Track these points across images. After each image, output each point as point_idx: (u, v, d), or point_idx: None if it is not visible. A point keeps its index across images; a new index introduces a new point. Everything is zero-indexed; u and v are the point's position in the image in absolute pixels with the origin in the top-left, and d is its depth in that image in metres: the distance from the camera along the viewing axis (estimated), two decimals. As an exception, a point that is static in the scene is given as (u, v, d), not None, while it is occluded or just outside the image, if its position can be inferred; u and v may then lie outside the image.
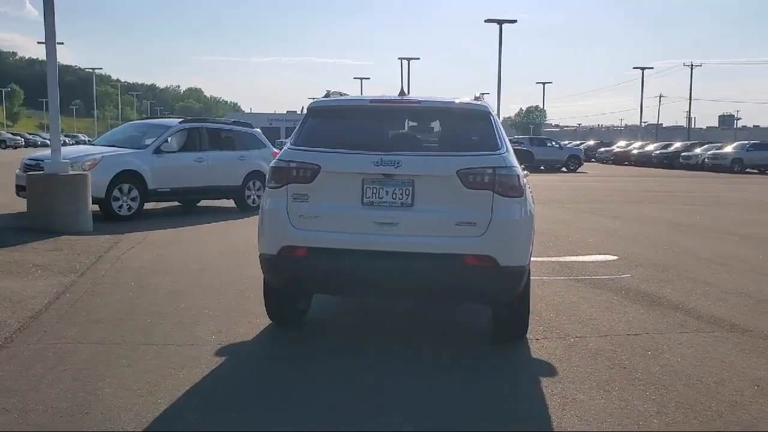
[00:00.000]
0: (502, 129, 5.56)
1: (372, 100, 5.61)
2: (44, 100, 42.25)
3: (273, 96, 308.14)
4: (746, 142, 46.45)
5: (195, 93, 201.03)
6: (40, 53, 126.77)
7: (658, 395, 4.64)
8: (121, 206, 12.68)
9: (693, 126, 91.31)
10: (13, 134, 79.61)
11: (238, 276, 8.07)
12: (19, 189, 12.79)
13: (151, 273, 8.15)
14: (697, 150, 46.51)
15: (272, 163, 5.46)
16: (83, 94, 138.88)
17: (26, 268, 8.12)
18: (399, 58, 62.66)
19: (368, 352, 5.51)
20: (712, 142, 51.09)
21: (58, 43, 11.69)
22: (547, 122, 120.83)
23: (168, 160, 13.46)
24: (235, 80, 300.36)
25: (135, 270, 8.29)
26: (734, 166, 41.73)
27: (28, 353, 5.19)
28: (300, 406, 4.36)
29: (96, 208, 12.16)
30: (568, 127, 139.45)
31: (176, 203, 15.25)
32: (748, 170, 42.09)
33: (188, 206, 15.36)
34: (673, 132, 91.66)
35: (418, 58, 63.44)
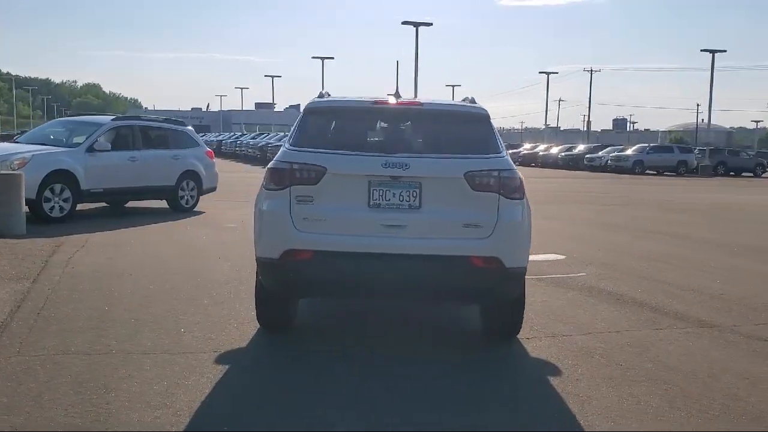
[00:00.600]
0: (497, 132, 5.65)
1: (374, 102, 5.56)
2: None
3: (176, 92, 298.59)
4: (646, 145, 49.01)
5: (93, 89, 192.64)
6: None
7: (663, 390, 4.83)
8: (52, 207, 12.00)
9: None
10: None
11: (203, 279, 7.82)
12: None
13: (109, 277, 7.78)
14: (601, 152, 48.63)
15: (271, 164, 5.31)
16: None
17: (-30, 275, 7.58)
18: (313, 57, 62.37)
19: (375, 354, 5.47)
20: (612, 145, 53.58)
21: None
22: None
23: (101, 159, 12.84)
24: (134, 76, 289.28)
25: (90, 275, 7.88)
26: (635, 167, 43.90)
27: (12, 367, 4.85)
28: (329, 411, 4.28)
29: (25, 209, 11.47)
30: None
31: (103, 204, 14.53)
32: (647, 171, 44.38)
33: (115, 207, 14.68)
34: (571, 135, 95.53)
35: (333, 58, 63.34)
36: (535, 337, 6.03)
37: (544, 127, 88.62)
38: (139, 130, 14.10)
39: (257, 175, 33.96)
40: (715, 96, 49.25)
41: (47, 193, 11.90)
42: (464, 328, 6.35)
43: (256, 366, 5.23)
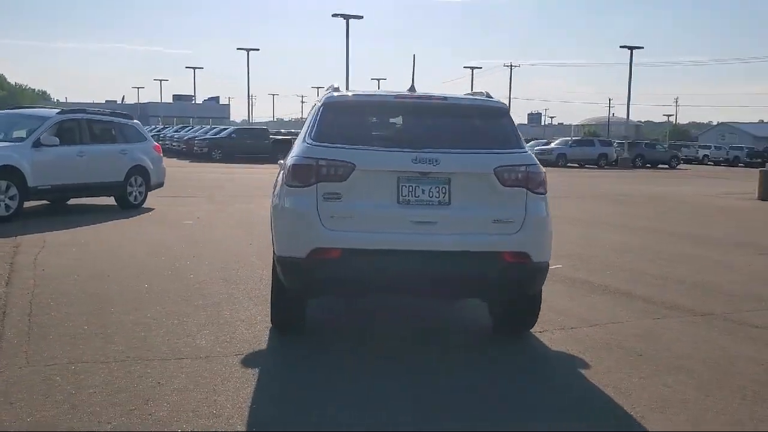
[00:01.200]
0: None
1: (396, 96, 5.45)
2: None
3: (87, 84, 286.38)
4: (569, 138, 50.47)
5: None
6: None
7: (692, 379, 4.96)
8: (-2, 206, 11.30)
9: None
10: None
11: (190, 280, 7.52)
12: None
13: (88, 279, 7.38)
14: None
15: (294, 161, 5.12)
16: None
17: (-65, 280, 7.04)
18: (238, 48, 60.99)
19: (386, 353, 5.38)
20: (535, 139, 54.91)
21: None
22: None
23: (48, 154, 12.17)
24: (41, 67, 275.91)
25: (65, 277, 7.46)
26: (559, 160, 44.97)
27: (29, 378, 4.52)
28: (390, 412, 4.18)
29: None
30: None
31: (44, 202, 13.76)
32: (569, 164, 45.65)
33: (58, 205, 13.95)
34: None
35: (258, 50, 62.00)
36: (546, 330, 6.08)
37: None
38: (86, 123, 13.43)
39: (190, 169, 32.89)
40: (624, 91, 51.07)
41: (-8, 191, 11.19)
42: (477, 323, 6.33)
43: (286, 368, 5.03)
